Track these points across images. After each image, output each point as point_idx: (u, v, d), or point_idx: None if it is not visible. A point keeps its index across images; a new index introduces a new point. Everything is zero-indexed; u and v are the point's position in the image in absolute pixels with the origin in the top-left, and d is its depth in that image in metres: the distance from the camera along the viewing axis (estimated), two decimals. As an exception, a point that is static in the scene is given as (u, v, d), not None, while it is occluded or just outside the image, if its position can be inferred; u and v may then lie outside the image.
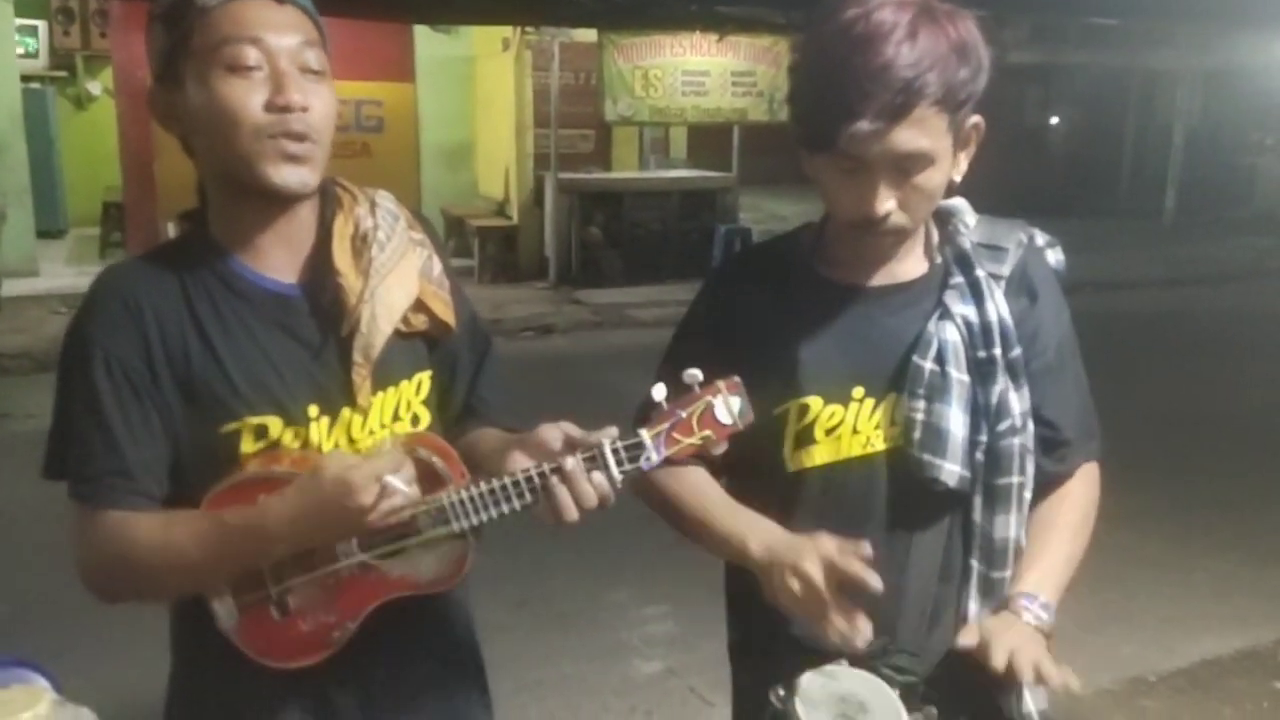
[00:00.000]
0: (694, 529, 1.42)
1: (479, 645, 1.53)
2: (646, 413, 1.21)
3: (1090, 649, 3.67)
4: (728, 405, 1.19)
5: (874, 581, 1.21)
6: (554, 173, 10.26)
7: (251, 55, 1.19)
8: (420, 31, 10.93)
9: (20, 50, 11.12)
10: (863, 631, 1.24)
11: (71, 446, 1.24)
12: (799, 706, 1.26)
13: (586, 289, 10.11)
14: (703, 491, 1.43)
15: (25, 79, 10.97)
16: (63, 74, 12.97)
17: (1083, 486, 1.46)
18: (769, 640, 1.44)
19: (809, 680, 1.29)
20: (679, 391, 1.19)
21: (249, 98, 1.19)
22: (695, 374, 1.18)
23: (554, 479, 1.17)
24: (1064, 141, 17.52)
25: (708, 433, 1.19)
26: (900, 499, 1.38)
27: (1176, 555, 4.47)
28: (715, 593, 1.54)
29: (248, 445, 1.25)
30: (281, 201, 1.26)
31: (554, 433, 1.20)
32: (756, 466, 1.42)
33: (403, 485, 1.17)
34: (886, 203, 1.27)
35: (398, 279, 1.31)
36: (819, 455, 1.39)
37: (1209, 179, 15.53)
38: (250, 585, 1.24)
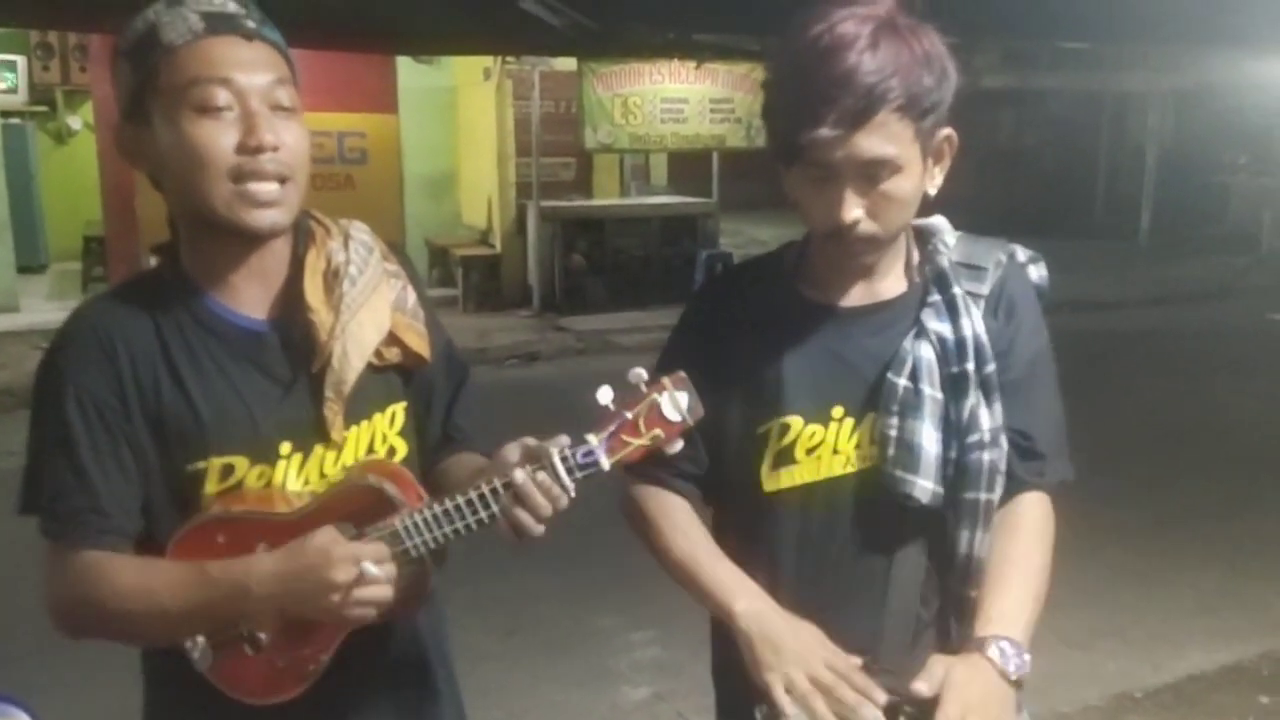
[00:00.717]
0: (678, 570, 1.42)
1: (454, 670, 1.52)
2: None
3: (1076, 665, 3.69)
4: (675, 401, 1.18)
5: (869, 712, 1.24)
6: (536, 201, 10.29)
7: (221, 96, 1.19)
8: (403, 63, 10.96)
9: (3, 86, 11.12)
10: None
11: (44, 483, 1.23)
12: None
13: (570, 316, 10.12)
14: (693, 534, 1.43)
15: (4, 114, 10.98)
16: (43, 109, 12.94)
17: (1039, 521, 1.41)
18: None
19: (792, 700, 1.29)
20: (626, 393, 1.18)
21: (219, 139, 1.19)
22: (640, 373, 1.18)
23: (505, 493, 1.17)
24: (1038, 164, 17.66)
25: (656, 432, 1.18)
26: (879, 517, 1.39)
27: (1160, 570, 4.50)
28: (702, 618, 1.54)
29: (211, 485, 1.25)
30: (253, 241, 1.25)
31: (513, 448, 1.19)
32: (735, 487, 1.44)
33: (380, 575, 1.16)
34: (854, 210, 1.28)
35: (369, 314, 1.32)
36: (800, 475, 1.40)
37: (1183, 199, 15.67)
38: (222, 623, 1.23)
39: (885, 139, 1.25)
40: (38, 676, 2.87)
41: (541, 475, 1.16)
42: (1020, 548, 1.38)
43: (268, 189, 1.21)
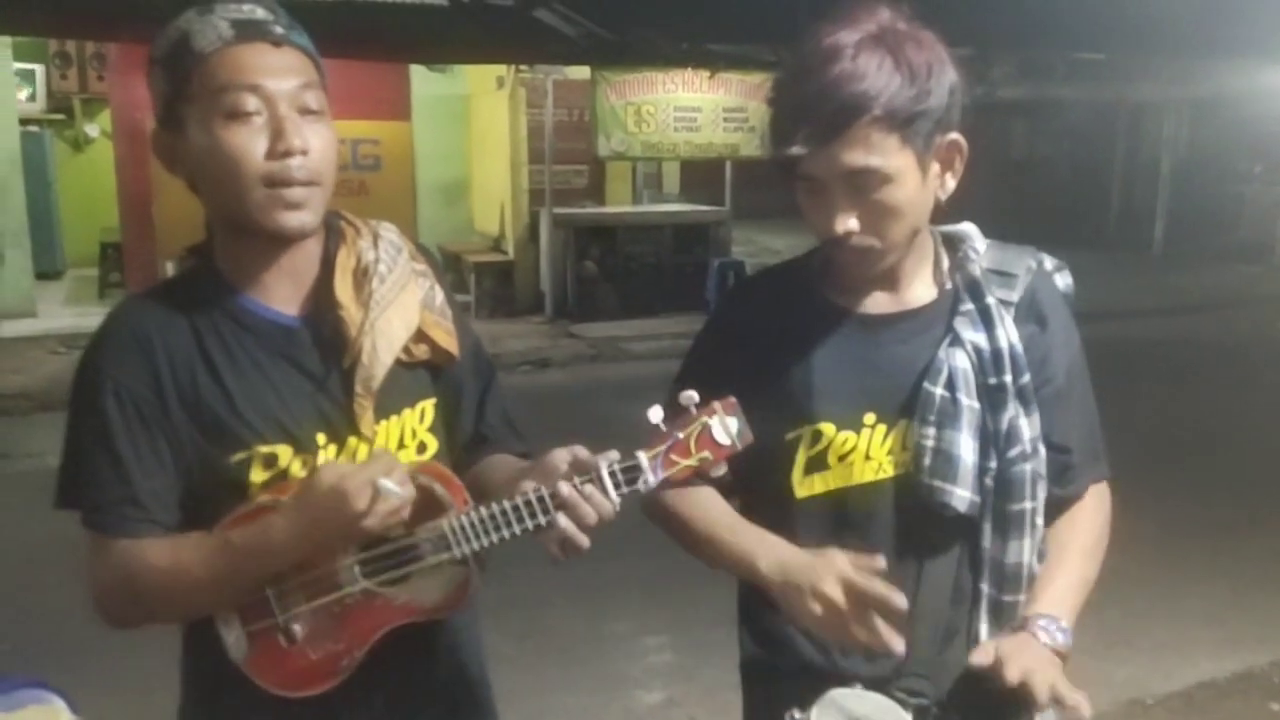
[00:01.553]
0: (703, 548, 1.43)
1: (487, 673, 1.55)
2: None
3: (1087, 672, 3.66)
4: (725, 426, 1.21)
5: (898, 600, 1.22)
6: (549, 208, 10.34)
7: (250, 102, 1.22)
8: (416, 71, 11.03)
9: (22, 95, 11.22)
10: (893, 642, 1.24)
11: (83, 476, 1.27)
12: None
13: (582, 323, 10.15)
14: (711, 510, 1.44)
15: (23, 122, 11.05)
16: (60, 117, 13.05)
17: (1093, 507, 1.48)
18: (781, 660, 1.45)
19: (824, 704, 1.30)
20: (676, 413, 1.21)
21: (250, 145, 1.22)
22: (691, 395, 1.20)
23: (551, 502, 1.19)
24: (1053, 174, 17.65)
25: (705, 454, 1.21)
26: (911, 524, 1.40)
27: (1170, 579, 4.49)
28: (715, 622, 1.53)
29: (257, 474, 1.28)
30: (285, 241, 1.29)
31: (562, 455, 1.22)
32: (765, 492, 1.44)
33: (395, 487, 1.19)
34: (846, 221, 1.29)
35: (398, 310, 1.35)
36: (832, 481, 1.40)
37: (1197, 208, 15.63)
38: (257, 613, 1.26)
39: (866, 150, 1.26)
40: (76, 671, 2.91)
41: (589, 488, 1.19)
42: (1074, 534, 1.45)
43: (297, 193, 1.24)
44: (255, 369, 1.29)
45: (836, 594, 1.25)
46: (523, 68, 10.22)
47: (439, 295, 1.42)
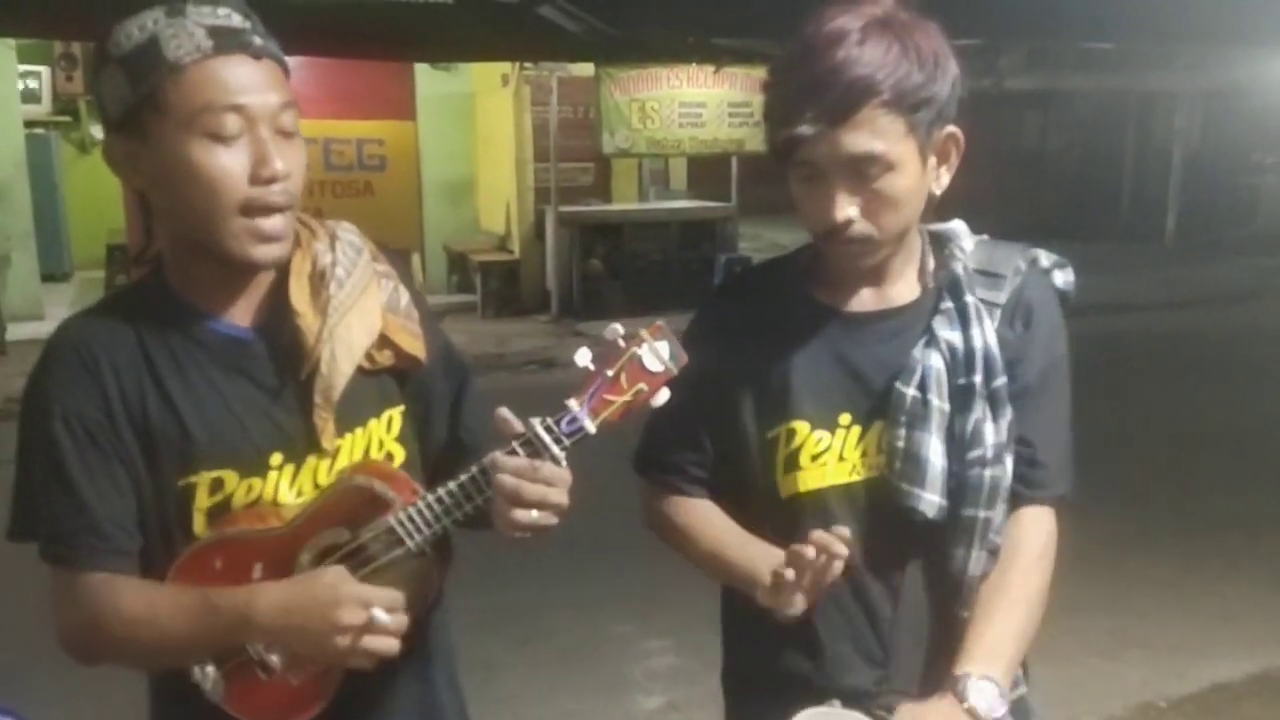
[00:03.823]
0: (707, 561, 1.41)
1: (458, 675, 1.50)
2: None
3: (1099, 674, 3.63)
4: (655, 352, 1.15)
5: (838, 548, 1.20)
6: (554, 206, 10.29)
7: (233, 123, 1.14)
8: (421, 70, 11.02)
9: (31, 100, 11.24)
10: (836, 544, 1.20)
11: (38, 507, 1.21)
12: None
13: (589, 321, 10.09)
14: (715, 523, 1.42)
15: (29, 125, 11.06)
16: (66, 119, 13.07)
17: (1038, 543, 1.36)
18: (761, 671, 1.43)
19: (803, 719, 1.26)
20: (604, 352, 1.15)
21: (230, 169, 1.15)
22: (616, 328, 1.15)
23: (495, 473, 1.14)
24: (1064, 165, 17.55)
25: (640, 385, 1.15)
26: (887, 529, 1.35)
27: (1184, 578, 4.42)
28: (718, 627, 1.52)
29: (202, 500, 1.22)
30: (252, 269, 1.23)
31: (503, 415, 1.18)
32: (750, 492, 1.41)
33: (389, 623, 1.14)
34: (847, 209, 1.25)
35: (358, 316, 1.28)
36: (803, 482, 1.37)
37: (1209, 200, 15.53)
38: (230, 651, 1.21)
39: (872, 134, 1.22)
40: (44, 692, 2.86)
41: (526, 452, 1.14)
42: (1013, 575, 1.33)
43: (276, 224, 1.18)
44: (207, 386, 1.23)
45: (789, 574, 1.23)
46: (527, 65, 10.18)
47: (404, 296, 1.35)
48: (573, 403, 1.14)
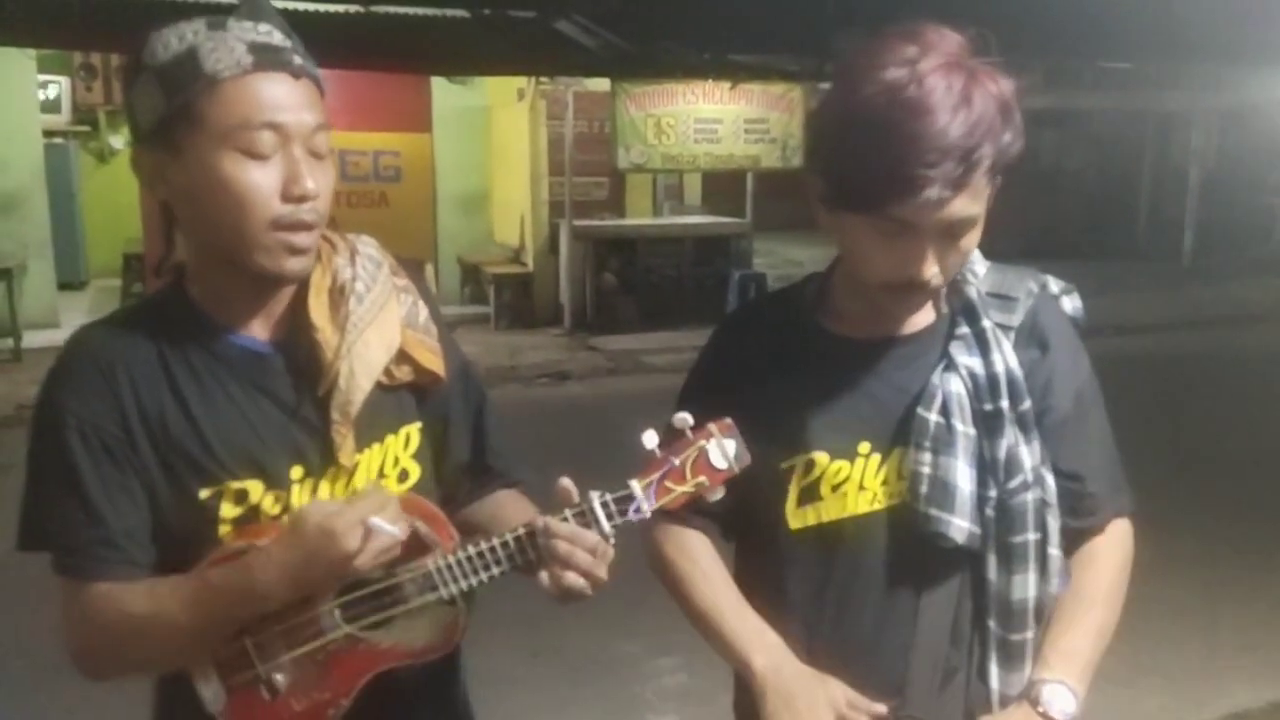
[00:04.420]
0: (700, 620, 1.40)
1: (471, 709, 1.48)
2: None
3: (1117, 702, 3.57)
4: (722, 449, 1.16)
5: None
6: (569, 220, 10.30)
7: (268, 141, 1.14)
8: (437, 83, 11.07)
9: (50, 109, 11.32)
10: None
11: (51, 519, 1.19)
12: None
13: (602, 335, 10.10)
14: (715, 584, 1.41)
15: (48, 134, 11.13)
16: (85, 129, 13.16)
17: (1112, 547, 1.40)
18: None
19: None
20: (671, 438, 1.16)
21: (263, 186, 1.14)
22: (685, 418, 1.15)
23: (542, 539, 1.13)
24: (1080, 185, 17.47)
25: (702, 479, 1.16)
26: (908, 556, 1.33)
27: (1203, 604, 4.37)
28: None
29: (227, 510, 1.21)
30: (280, 283, 1.22)
31: (560, 489, 1.18)
32: (759, 524, 1.39)
33: (388, 525, 1.13)
34: (933, 267, 1.23)
35: (377, 331, 1.27)
36: (825, 512, 1.35)
37: (1227, 219, 15.44)
38: (237, 665, 1.19)
39: (973, 199, 1.20)
40: (41, 697, 2.85)
41: (577, 521, 1.15)
42: (1089, 578, 1.37)
43: (304, 239, 1.18)
44: (226, 400, 1.22)
45: None
46: (543, 79, 10.21)
47: (423, 312, 1.34)
48: (636, 485, 1.15)
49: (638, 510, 1.15)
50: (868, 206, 1.21)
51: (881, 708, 1.27)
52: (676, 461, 1.15)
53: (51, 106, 12.15)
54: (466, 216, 11.75)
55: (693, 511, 1.41)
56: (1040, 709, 1.27)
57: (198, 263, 1.24)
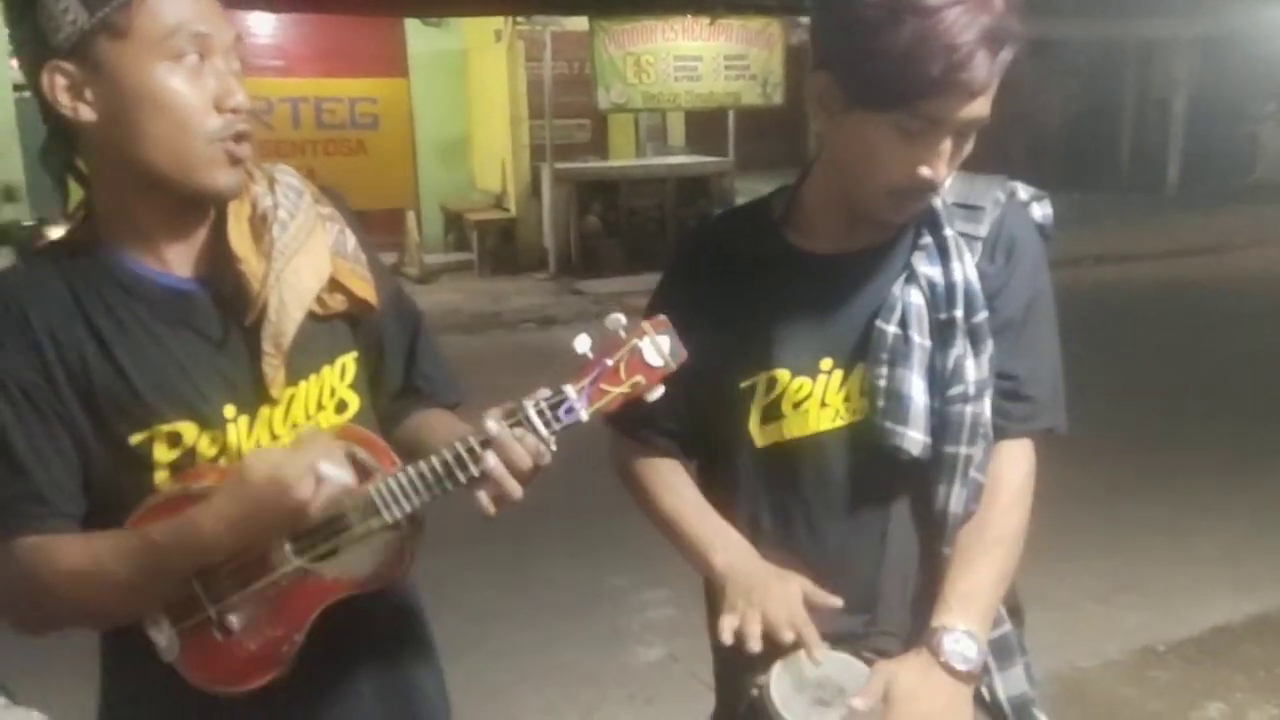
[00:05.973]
0: (666, 528, 1.42)
1: (432, 639, 1.47)
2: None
3: (1096, 619, 3.63)
4: (656, 346, 1.12)
5: (817, 656, 1.23)
6: (550, 163, 10.22)
7: (197, 49, 1.11)
8: (411, 26, 10.88)
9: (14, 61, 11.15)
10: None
11: None
12: (774, 694, 1.23)
13: (586, 279, 10.06)
14: (678, 491, 1.42)
15: (18, 88, 10.99)
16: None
17: (1017, 482, 1.33)
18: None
19: (785, 666, 1.26)
20: (605, 340, 1.13)
21: (200, 97, 1.12)
22: (619, 318, 1.12)
23: (482, 451, 1.10)
24: (1062, 115, 17.37)
25: (637, 378, 1.12)
26: (872, 473, 1.32)
27: (1182, 521, 4.41)
28: None
29: (161, 454, 1.17)
30: (208, 201, 1.18)
31: (492, 412, 1.13)
32: (723, 443, 1.38)
33: (335, 471, 1.11)
34: (945, 168, 1.22)
35: (306, 259, 1.23)
36: (787, 430, 1.33)
37: (1210, 149, 15.39)
38: (187, 609, 1.17)
39: (989, 97, 1.18)
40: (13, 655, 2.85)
41: (519, 430, 1.10)
42: (992, 513, 1.31)
43: (246, 149, 1.16)
44: (150, 340, 1.18)
45: (781, 617, 1.24)
46: (520, 20, 10.05)
47: (350, 240, 1.30)
48: (569, 389, 1.12)
49: (569, 412, 1.11)
50: (902, 100, 1.16)
51: (837, 600, 1.26)
52: (610, 362, 1.12)
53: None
54: (447, 163, 11.63)
55: (656, 433, 1.43)
56: (942, 659, 1.23)
57: (108, 198, 1.19)
